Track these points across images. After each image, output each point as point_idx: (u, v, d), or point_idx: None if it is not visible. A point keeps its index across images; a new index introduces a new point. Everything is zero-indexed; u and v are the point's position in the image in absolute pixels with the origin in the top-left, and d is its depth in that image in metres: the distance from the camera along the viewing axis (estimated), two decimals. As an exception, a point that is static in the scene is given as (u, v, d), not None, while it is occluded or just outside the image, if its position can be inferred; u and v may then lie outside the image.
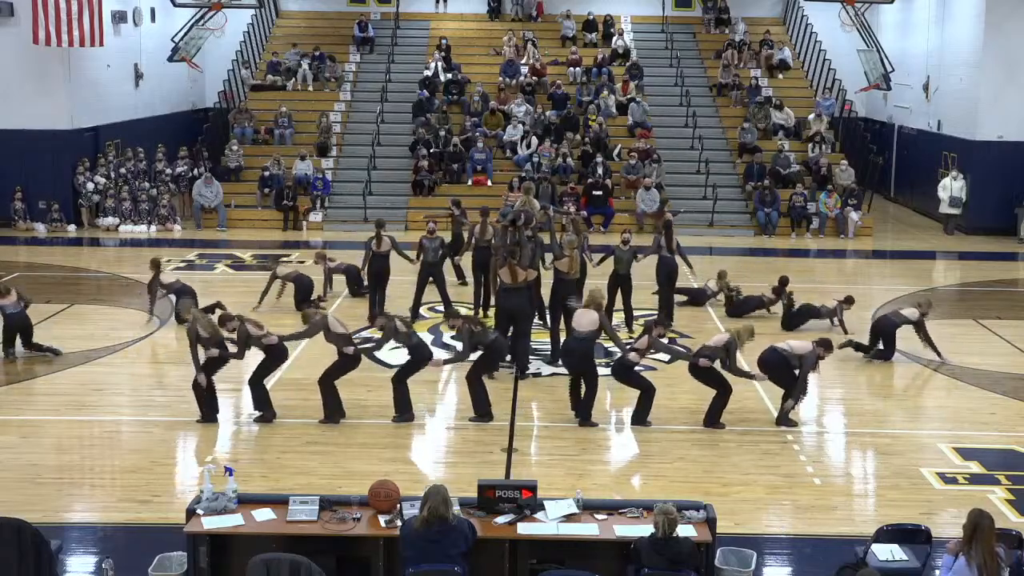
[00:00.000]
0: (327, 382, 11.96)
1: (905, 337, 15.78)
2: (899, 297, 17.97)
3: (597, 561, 7.89)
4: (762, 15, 31.87)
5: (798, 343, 12.13)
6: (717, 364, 11.75)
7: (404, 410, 12.10)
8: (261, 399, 12.03)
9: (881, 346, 14.60)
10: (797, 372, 11.89)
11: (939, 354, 14.49)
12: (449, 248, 17.48)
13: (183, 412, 12.25)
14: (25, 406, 12.83)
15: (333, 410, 11.97)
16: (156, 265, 16.17)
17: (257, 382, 12.03)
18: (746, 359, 12.57)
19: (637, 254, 15.99)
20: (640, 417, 12.02)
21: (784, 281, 16.55)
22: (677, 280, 16.23)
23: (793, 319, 16.03)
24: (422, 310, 16.49)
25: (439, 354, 12.91)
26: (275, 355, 11.98)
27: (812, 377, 12.00)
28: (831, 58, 28.61)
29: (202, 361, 11.81)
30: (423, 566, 7.37)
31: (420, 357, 12.04)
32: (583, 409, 12.04)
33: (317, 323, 11.95)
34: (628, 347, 12.08)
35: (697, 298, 17.32)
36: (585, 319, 12.10)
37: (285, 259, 17.55)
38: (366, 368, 12.41)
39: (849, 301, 15.95)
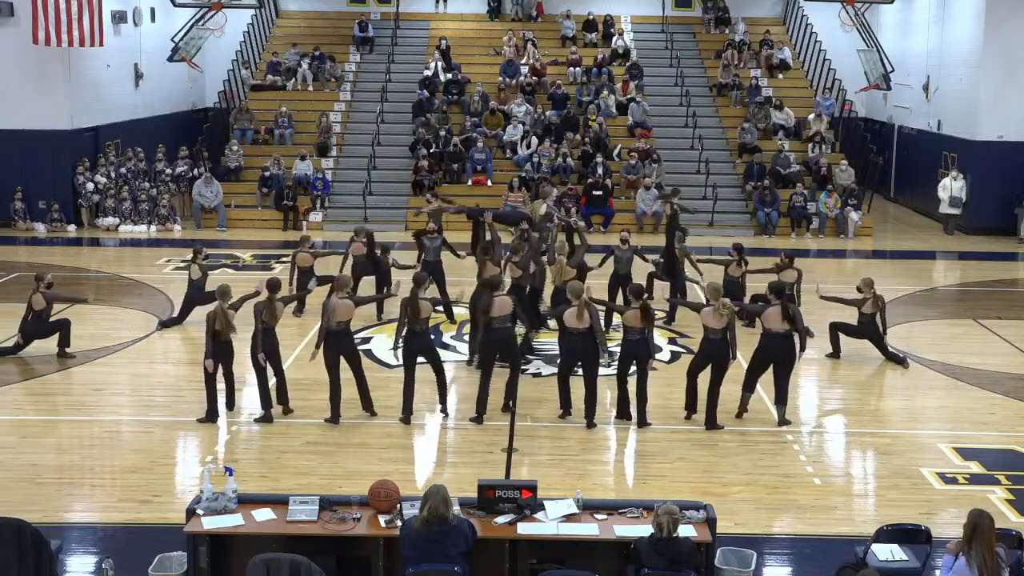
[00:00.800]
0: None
1: (907, 337, 15.82)
2: (899, 297, 17.97)
3: (597, 561, 7.89)
4: (762, 15, 31.88)
5: (772, 311, 11.95)
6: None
7: (405, 411, 12.15)
8: (268, 397, 12.07)
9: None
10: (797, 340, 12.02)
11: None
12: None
13: (183, 412, 12.26)
14: (25, 406, 12.84)
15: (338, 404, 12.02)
16: (195, 253, 16.12)
17: (279, 375, 12.18)
18: (745, 355, 12.54)
19: (644, 256, 16.07)
20: (642, 420, 12.03)
21: (739, 247, 16.26)
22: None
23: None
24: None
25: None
26: (264, 344, 12.00)
27: (811, 374, 11.96)
28: (831, 58, 28.61)
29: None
30: (423, 566, 7.36)
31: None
32: (587, 411, 12.03)
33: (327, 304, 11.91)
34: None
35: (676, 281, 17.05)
36: (576, 317, 12.03)
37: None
38: (366, 368, 12.39)
39: (790, 259, 15.67)
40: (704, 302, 12.44)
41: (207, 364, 11.79)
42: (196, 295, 15.75)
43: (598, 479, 10.73)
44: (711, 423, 11.95)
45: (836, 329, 14.70)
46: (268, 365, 11.96)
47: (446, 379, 12.40)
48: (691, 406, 12.22)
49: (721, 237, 23.31)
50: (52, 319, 14.56)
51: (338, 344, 11.86)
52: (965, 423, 12.51)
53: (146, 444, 11.50)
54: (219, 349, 11.82)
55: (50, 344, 14.40)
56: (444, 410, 12.30)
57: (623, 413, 12.18)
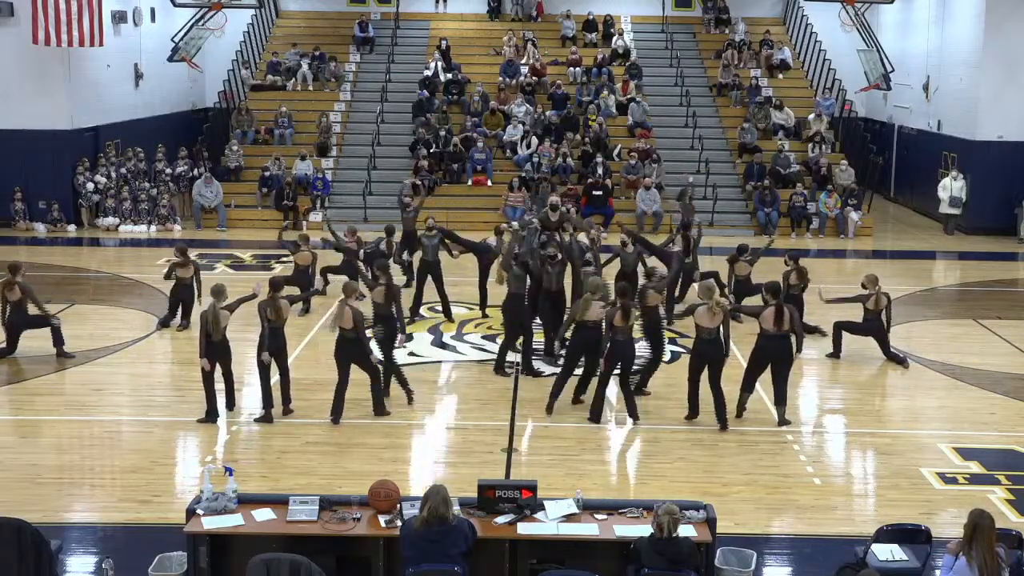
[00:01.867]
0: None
1: (907, 337, 15.83)
2: (899, 297, 17.96)
3: (597, 561, 7.89)
4: (762, 15, 31.87)
5: (769, 312, 11.89)
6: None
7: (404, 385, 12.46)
8: (270, 397, 12.06)
9: None
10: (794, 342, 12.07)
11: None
12: (401, 246, 17.56)
13: (183, 412, 12.26)
14: (25, 406, 12.83)
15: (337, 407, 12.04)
16: (179, 252, 16.09)
17: (284, 374, 12.16)
18: (742, 354, 12.54)
19: (650, 256, 16.16)
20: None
21: (743, 249, 16.25)
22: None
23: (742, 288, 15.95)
24: (422, 310, 16.46)
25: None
26: (270, 343, 11.97)
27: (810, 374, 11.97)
28: (831, 58, 28.61)
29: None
30: (423, 566, 7.36)
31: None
32: (580, 396, 12.17)
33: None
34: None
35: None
36: (593, 310, 12.06)
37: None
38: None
39: (795, 261, 15.37)
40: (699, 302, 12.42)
41: (203, 363, 11.79)
42: (182, 292, 15.78)
43: (598, 479, 10.73)
44: (723, 423, 11.90)
45: (840, 328, 14.68)
46: (274, 364, 11.94)
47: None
48: (694, 409, 12.19)
49: (721, 237, 23.30)
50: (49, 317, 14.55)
51: (346, 351, 11.84)
52: (965, 423, 12.51)
53: (146, 444, 11.50)
54: (215, 348, 11.80)
55: (49, 344, 14.38)
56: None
57: (595, 415, 12.17)
